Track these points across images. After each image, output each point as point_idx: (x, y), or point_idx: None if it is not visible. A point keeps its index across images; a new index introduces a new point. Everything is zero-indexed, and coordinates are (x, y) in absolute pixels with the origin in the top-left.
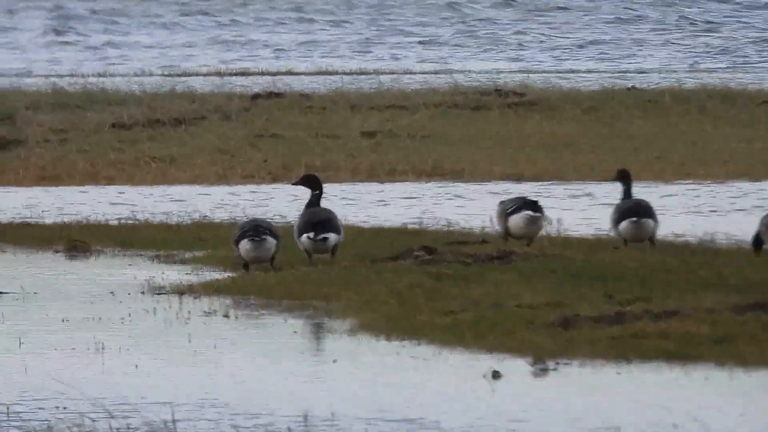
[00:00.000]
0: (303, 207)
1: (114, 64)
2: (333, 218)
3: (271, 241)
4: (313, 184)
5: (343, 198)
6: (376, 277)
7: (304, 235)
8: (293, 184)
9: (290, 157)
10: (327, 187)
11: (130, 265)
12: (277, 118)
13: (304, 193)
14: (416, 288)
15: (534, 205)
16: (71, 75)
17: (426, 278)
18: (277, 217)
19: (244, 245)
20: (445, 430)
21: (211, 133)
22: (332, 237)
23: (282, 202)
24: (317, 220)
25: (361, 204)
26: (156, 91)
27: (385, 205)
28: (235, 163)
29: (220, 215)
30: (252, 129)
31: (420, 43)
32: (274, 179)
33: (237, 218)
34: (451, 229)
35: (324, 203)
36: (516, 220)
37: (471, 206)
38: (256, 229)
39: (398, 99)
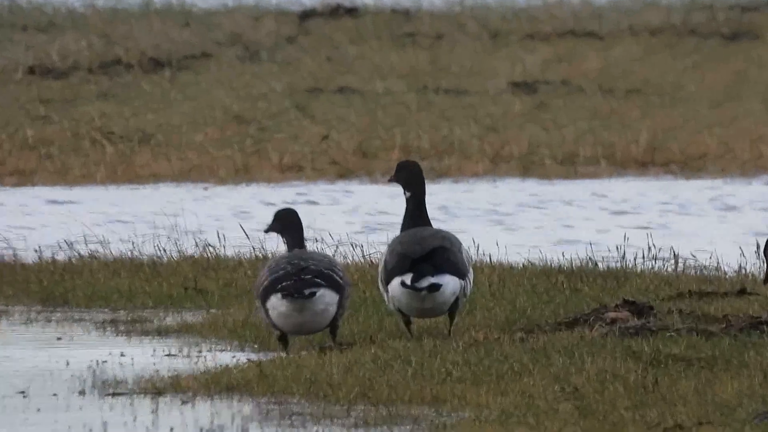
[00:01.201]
0: (399, 225)
1: None
2: (450, 248)
3: (327, 297)
4: (411, 179)
5: (471, 208)
6: (539, 362)
7: (396, 281)
8: (388, 181)
9: (371, 132)
10: (441, 189)
11: (58, 339)
12: (346, 57)
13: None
14: (617, 382)
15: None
16: None
17: (634, 364)
18: (345, 242)
19: (278, 305)
20: None
21: (221, 85)
22: (449, 284)
23: (357, 211)
24: (420, 252)
25: (498, 219)
26: (115, 7)
27: (539, 224)
28: (265, 140)
29: (233, 241)
30: (299, 76)
31: None
32: (341, 173)
33: (266, 251)
34: (679, 267)
35: (439, 223)
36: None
37: (709, 224)
38: (301, 277)
39: (580, 20)
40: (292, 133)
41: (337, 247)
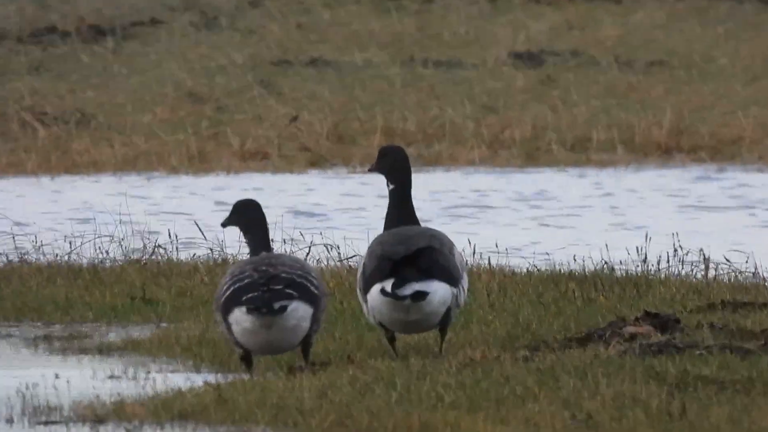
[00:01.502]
0: (383, 222)
1: None
2: (439, 249)
3: (300, 311)
4: (395, 167)
5: (465, 203)
6: (546, 384)
7: (376, 288)
8: (368, 170)
9: (348, 112)
10: (430, 179)
11: None
12: (319, 23)
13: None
14: (637, 408)
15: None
16: None
17: (657, 387)
18: (318, 243)
19: (242, 320)
20: None
21: (173, 57)
22: (438, 291)
23: (330, 202)
24: (403, 253)
25: (498, 216)
26: None
27: (545, 222)
28: (224, 122)
29: (188, 242)
30: (264, 46)
31: None
32: (313, 161)
33: (226, 254)
34: (710, 273)
35: (428, 222)
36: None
37: (744, 222)
38: (269, 287)
39: None
40: (256, 114)
41: (309, 249)
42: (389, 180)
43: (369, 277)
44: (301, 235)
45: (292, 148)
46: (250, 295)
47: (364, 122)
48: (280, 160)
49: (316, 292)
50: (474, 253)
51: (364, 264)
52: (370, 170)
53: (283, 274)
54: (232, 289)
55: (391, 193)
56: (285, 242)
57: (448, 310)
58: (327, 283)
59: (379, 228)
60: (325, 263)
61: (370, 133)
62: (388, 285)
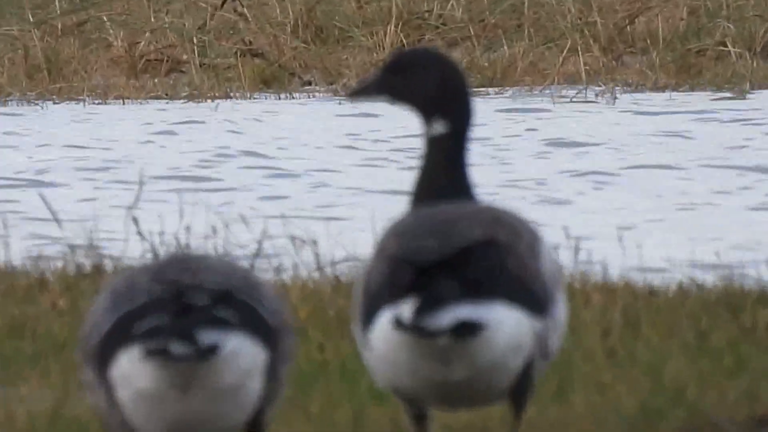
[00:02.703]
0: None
1: None
2: (509, 244)
3: (244, 355)
4: (440, 89)
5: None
6: None
7: (385, 317)
8: (372, 93)
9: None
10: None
11: None
12: None
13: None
14: None
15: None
16: None
17: None
18: (277, 234)
19: (135, 373)
20: None
21: None
22: (504, 323)
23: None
24: (438, 251)
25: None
26: None
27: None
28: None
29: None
30: None
31: None
32: (266, 76)
33: (105, 254)
34: None
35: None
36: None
37: None
38: (183, 306)
39: None
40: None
41: (259, 247)
42: (428, 116)
43: (373, 298)
44: (243, 220)
45: (226, 52)
46: (149, 323)
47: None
48: (199, 73)
49: (271, 321)
50: (576, 252)
51: (366, 274)
52: (378, 93)
53: (211, 285)
54: (115, 316)
55: (432, 142)
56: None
57: (527, 361)
58: (294, 311)
59: (394, 206)
60: (290, 275)
61: (375, 20)
62: (406, 310)
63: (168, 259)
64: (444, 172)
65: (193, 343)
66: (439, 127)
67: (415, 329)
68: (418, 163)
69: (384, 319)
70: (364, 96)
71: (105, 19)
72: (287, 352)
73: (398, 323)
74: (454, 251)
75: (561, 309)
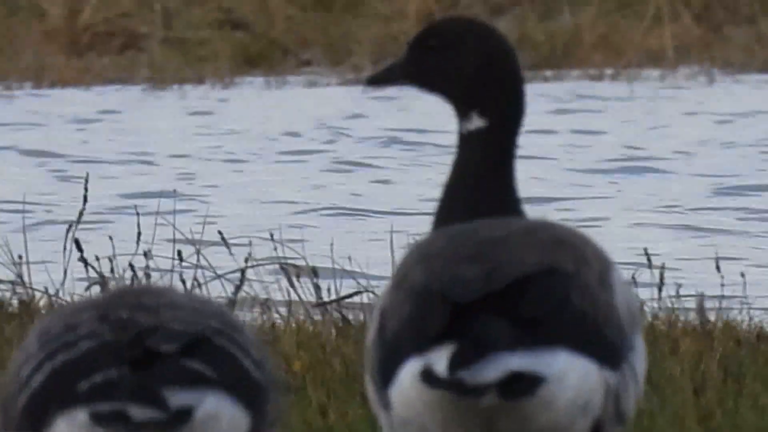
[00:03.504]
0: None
1: None
2: (574, 273)
3: (221, 419)
4: (485, 75)
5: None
6: None
7: (411, 368)
8: (372, 79)
9: None
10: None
11: None
12: None
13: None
14: None
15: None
16: None
17: None
18: (261, 254)
19: None
20: None
21: None
22: (568, 376)
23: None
24: (479, 282)
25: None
26: None
27: None
28: None
29: None
30: None
31: None
32: (250, 55)
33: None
34: None
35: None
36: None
37: None
38: (143, 351)
39: None
40: None
41: (242, 277)
42: (463, 108)
43: (394, 344)
44: (224, 242)
45: (198, 22)
46: (98, 378)
47: None
48: (164, 50)
49: (256, 375)
50: (660, 283)
51: (382, 312)
52: (402, 78)
53: (177, 326)
54: (49, 367)
55: (469, 139)
56: (198, 268)
57: (597, 424)
58: (287, 361)
59: (419, 222)
60: (282, 314)
61: None
62: (440, 360)
63: (117, 292)
64: (484, 178)
65: (159, 406)
66: (478, 122)
67: (452, 385)
68: (450, 168)
69: (410, 372)
70: (383, 82)
71: None
72: (276, 416)
73: (429, 377)
74: (502, 283)
75: (640, 358)
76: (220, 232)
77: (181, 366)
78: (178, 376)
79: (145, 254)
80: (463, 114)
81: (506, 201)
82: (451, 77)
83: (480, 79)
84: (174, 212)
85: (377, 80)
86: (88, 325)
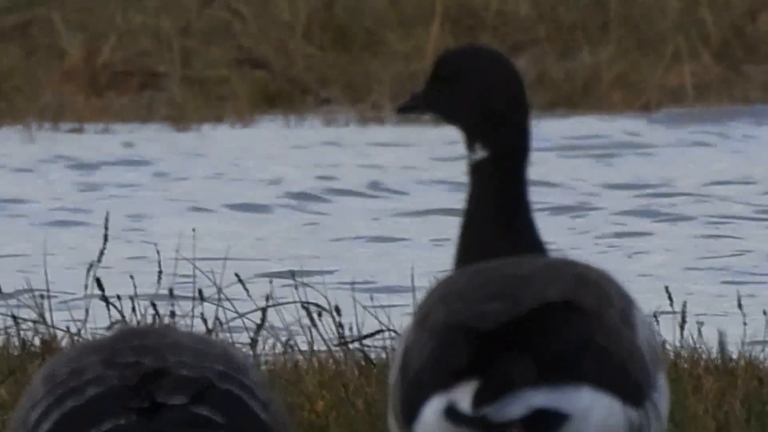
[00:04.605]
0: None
1: None
2: (595, 310)
3: None
4: (493, 104)
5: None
6: None
7: (434, 406)
8: (401, 107)
9: None
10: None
11: None
12: None
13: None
14: None
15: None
16: None
17: None
18: (281, 295)
19: None
20: None
21: None
22: (593, 412)
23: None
24: (501, 317)
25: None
26: None
27: None
28: None
29: None
30: None
31: None
32: (269, 94)
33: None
34: None
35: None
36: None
37: None
38: (151, 400)
39: None
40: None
41: (263, 319)
42: (469, 139)
43: (417, 381)
44: (241, 283)
45: (217, 62)
46: (105, 426)
47: None
48: (183, 89)
49: (267, 419)
50: (682, 321)
51: (404, 349)
52: (423, 107)
53: (184, 370)
54: (57, 414)
55: (476, 170)
56: (198, 298)
57: None
58: (309, 401)
59: (442, 259)
60: (300, 351)
61: (414, 19)
62: (464, 397)
63: (120, 334)
64: (498, 212)
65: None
66: (481, 152)
67: (476, 421)
68: (465, 201)
69: (434, 410)
70: (409, 110)
71: (56, 19)
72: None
73: (454, 414)
74: (524, 317)
75: (663, 396)
76: (237, 275)
77: (189, 412)
78: (187, 423)
79: (170, 292)
80: (469, 144)
81: (526, 234)
82: (456, 108)
83: (480, 109)
84: (194, 250)
85: (404, 109)
86: (94, 370)
